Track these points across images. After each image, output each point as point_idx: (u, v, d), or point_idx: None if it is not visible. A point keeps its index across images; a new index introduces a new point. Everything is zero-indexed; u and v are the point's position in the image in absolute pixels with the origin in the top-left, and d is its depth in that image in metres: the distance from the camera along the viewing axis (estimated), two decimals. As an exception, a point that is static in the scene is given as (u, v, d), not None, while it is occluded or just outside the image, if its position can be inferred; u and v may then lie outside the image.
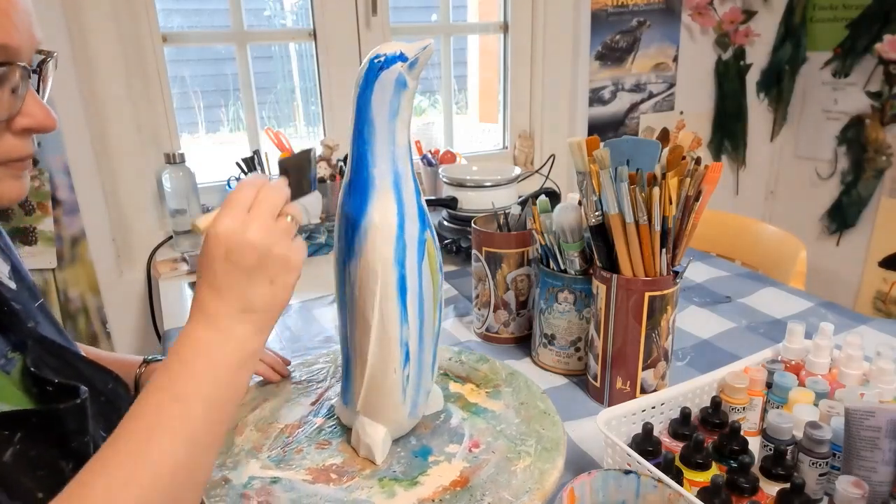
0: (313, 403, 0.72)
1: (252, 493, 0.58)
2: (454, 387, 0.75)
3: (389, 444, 0.64)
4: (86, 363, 0.60)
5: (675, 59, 1.87)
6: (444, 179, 1.27)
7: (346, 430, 0.66)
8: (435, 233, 0.62)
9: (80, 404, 0.48)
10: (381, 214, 0.56)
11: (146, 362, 0.76)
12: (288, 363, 0.80)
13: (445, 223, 1.28)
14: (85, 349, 0.80)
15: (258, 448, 0.65)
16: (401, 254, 0.57)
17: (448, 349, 0.82)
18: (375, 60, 0.54)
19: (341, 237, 0.60)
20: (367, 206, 0.57)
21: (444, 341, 0.91)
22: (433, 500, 0.57)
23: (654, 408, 0.65)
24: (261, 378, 0.76)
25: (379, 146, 0.56)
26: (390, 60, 0.54)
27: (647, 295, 0.69)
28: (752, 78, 2.01)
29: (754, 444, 0.61)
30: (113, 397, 0.61)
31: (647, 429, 0.59)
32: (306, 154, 0.69)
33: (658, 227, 0.66)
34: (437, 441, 0.65)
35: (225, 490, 0.59)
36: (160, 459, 0.42)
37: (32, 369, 0.50)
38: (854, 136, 1.91)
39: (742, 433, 0.60)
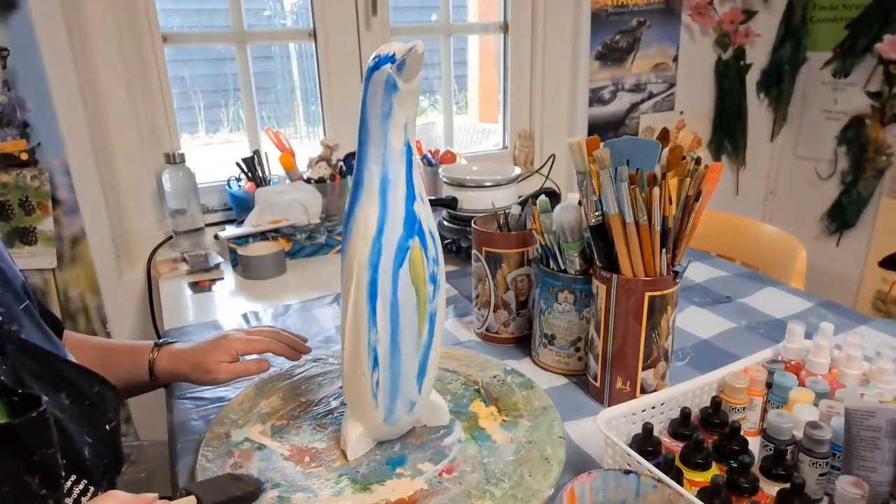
0: (342, 387, 0.74)
1: (237, 452, 0.64)
2: (475, 406, 0.72)
3: (367, 444, 0.65)
4: (70, 367, 0.60)
5: (675, 59, 1.87)
6: (444, 179, 1.27)
7: None
8: (433, 243, 0.60)
9: (36, 417, 0.48)
10: (364, 216, 0.57)
11: (157, 346, 0.76)
12: (305, 340, 0.80)
13: (445, 223, 1.28)
14: (93, 340, 0.80)
15: (271, 415, 0.71)
16: (375, 257, 0.56)
17: (500, 367, 0.80)
18: (371, 61, 0.54)
19: (343, 236, 0.61)
20: (355, 207, 0.58)
21: (445, 341, 0.91)
22: None
23: (654, 408, 0.65)
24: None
25: (371, 147, 0.56)
26: (382, 61, 0.53)
27: (647, 295, 0.69)
28: (752, 78, 2.01)
29: (754, 444, 0.61)
30: (98, 400, 0.61)
31: (647, 429, 0.59)
32: (230, 481, 0.57)
33: (658, 227, 0.66)
34: (416, 455, 0.64)
35: (219, 444, 0.66)
36: None
37: (2, 378, 0.50)
38: (854, 136, 1.90)
39: (742, 433, 0.60)
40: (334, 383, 0.78)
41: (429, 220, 0.60)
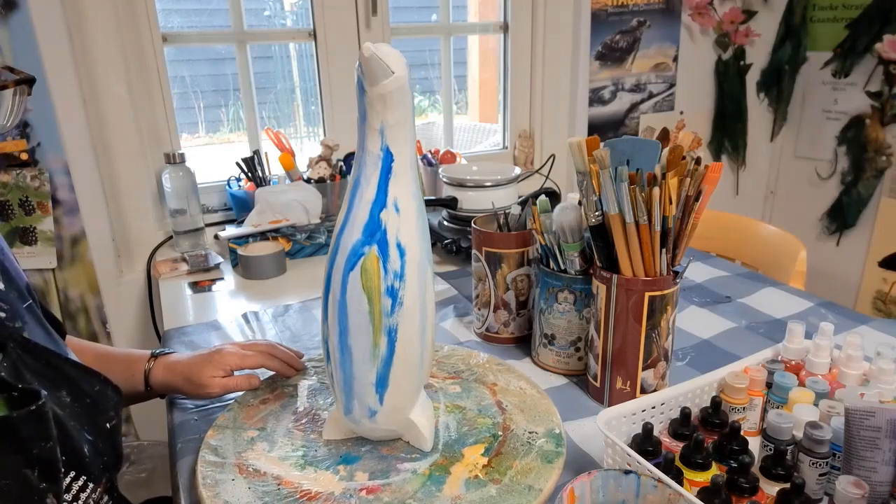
0: None
1: (277, 391, 0.75)
2: (471, 450, 0.65)
3: (340, 432, 0.67)
4: (71, 365, 0.60)
5: (675, 59, 1.87)
6: (444, 179, 1.27)
7: None
8: (399, 257, 0.57)
9: (35, 410, 0.48)
10: (339, 213, 0.59)
11: (154, 356, 0.77)
12: (301, 356, 0.82)
13: (445, 223, 1.28)
14: (92, 346, 0.80)
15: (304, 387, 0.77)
16: (332, 255, 0.59)
17: (554, 425, 0.68)
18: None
19: None
20: (341, 204, 0.60)
21: (445, 341, 0.91)
22: (278, 486, 0.60)
23: (654, 408, 0.65)
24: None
25: (357, 149, 0.58)
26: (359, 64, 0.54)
27: (647, 295, 0.69)
28: (752, 78, 2.01)
29: (754, 444, 0.61)
30: (99, 399, 0.61)
31: (647, 429, 0.59)
32: None
33: (658, 227, 0.66)
34: (369, 463, 0.63)
35: (276, 379, 0.77)
36: None
37: (2, 374, 0.50)
38: (854, 136, 1.90)
39: (742, 433, 0.60)
40: None
41: (402, 232, 0.57)
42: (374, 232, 0.56)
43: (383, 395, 0.61)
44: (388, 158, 0.56)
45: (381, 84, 0.53)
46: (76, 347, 0.75)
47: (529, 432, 0.68)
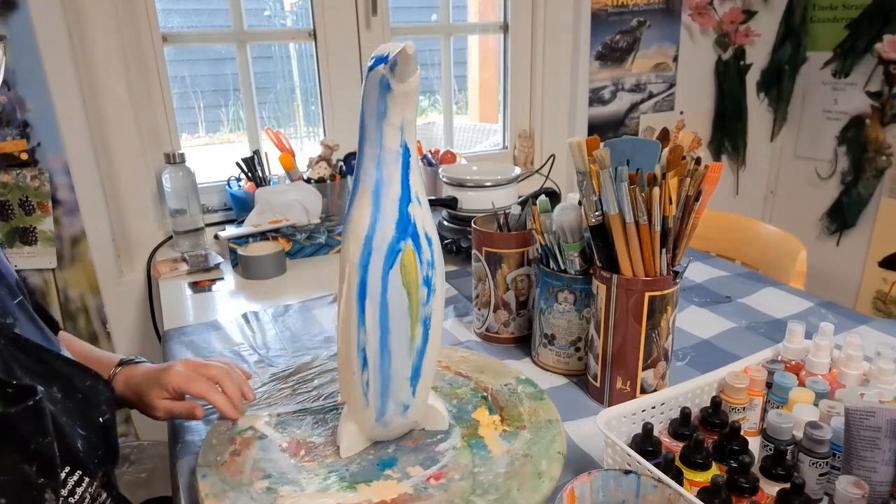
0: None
1: (238, 439, 0.66)
2: (479, 413, 0.70)
3: (361, 443, 0.65)
4: (63, 361, 0.60)
5: (675, 59, 1.87)
6: (444, 179, 1.27)
7: None
8: (428, 247, 0.59)
9: (32, 406, 0.48)
10: (358, 216, 0.57)
11: (121, 364, 0.73)
12: (249, 376, 0.76)
13: (445, 223, 1.28)
14: (78, 345, 0.79)
15: (277, 403, 0.71)
16: (365, 258, 0.56)
17: (515, 374, 0.77)
18: (369, 61, 0.54)
19: None
20: (351, 207, 0.58)
21: (445, 341, 0.91)
22: None
23: (654, 408, 0.65)
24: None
25: (367, 148, 0.56)
26: (377, 62, 0.53)
27: (647, 295, 0.69)
28: (752, 78, 2.01)
29: (754, 444, 0.61)
30: (91, 395, 0.61)
31: (647, 429, 0.59)
32: None
33: (658, 227, 0.66)
34: (408, 458, 0.64)
35: (226, 430, 0.67)
36: None
37: None
38: (854, 136, 1.90)
39: (742, 433, 0.60)
40: None
41: (426, 222, 0.58)
42: (406, 227, 0.57)
43: (416, 387, 0.63)
44: (406, 154, 0.57)
45: (409, 81, 0.54)
46: (66, 343, 0.75)
47: (504, 385, 0.75)
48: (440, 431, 0.68)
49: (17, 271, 0.71)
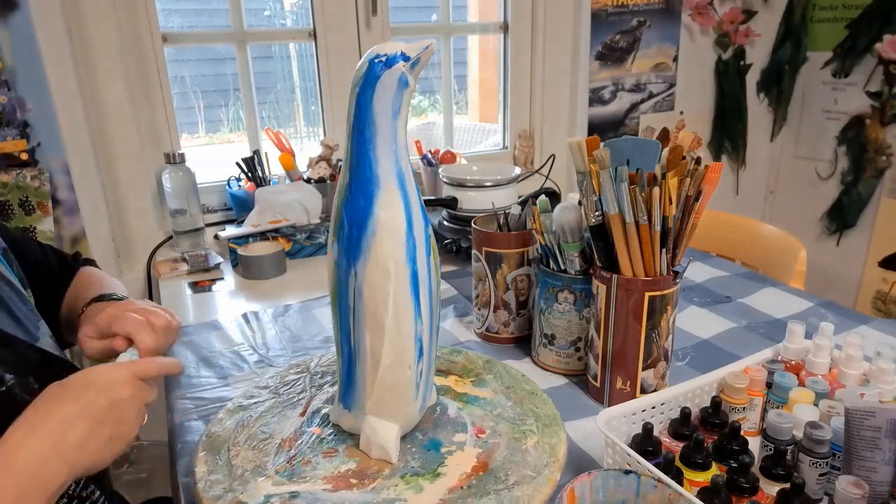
0: (302, 414, 0.70)
1: None
2: (439, 380, 0.76)
3: (399, 442, 0.64)
4: (36, 352, 0.60)
5: (675, 59, 1.87)
6: (444, 179, 1.27)
7: (350, 436, 0.66)
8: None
9: (5, 392, 0.49)
10: (389, 213, 0.57)
11: (91, 302, 0.71)
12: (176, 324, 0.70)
13: (445, 223, 1.28)
14: (94, 277, 0.80)
15: (262, 466, 0.61)
16: (412, 251, 0.58)
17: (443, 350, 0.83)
18: (377, 61, 0.54)
19: (343, 239, 0.59)
20: (373, 206, 0.57)
21: (445, 341, 0.91)
22: (462, 488, 0.58)
23: (654, 408, 0.65)
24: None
25: (382, 145, 0.56)
26: (392, 60, 0.54)
27: (647, 295, 0.69)
28: (752, 78, 2.01)
29: (754, 444, 0.61)
30: None
31: (647, 429, 0.59)
32: None
33: (658, 227, 0.66)
34: (443, 433, 0.66)
35: None
36: None
37: None
38: (854, 136, 1.91)
39: (742, 433, 0.60)
40: (295, 409, 0.71)
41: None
42: (426, 215, 0.61)
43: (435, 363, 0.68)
44: (407, 147, 0.60)
45: (417, 77, 0.57)
46: (85, 278, 0.78)
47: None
48: (434, 406, 0.71)
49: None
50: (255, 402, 0.72)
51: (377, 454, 0.62)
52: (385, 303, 0.58)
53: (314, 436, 0.66)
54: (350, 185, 0.58)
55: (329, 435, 0.67)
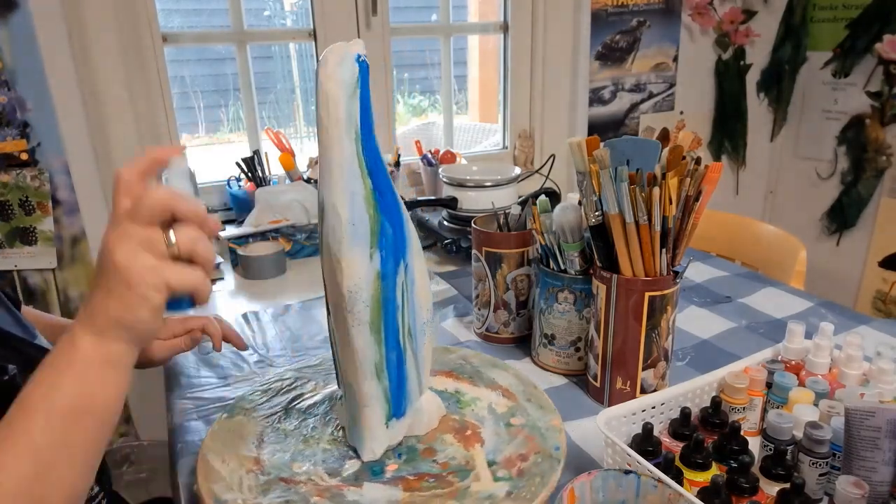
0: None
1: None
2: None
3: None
4: (36, 349, 0.60)
5: (675, 59, 1.87)
6: (444, 179, 1.27)
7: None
8: None
9: (8, 381, 0.49)
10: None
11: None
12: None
13: (445, 223, 1.28)
14: (47, 318, 0.78)
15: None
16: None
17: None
18: (361, 59, 0.53)
19: (388, 239, 0.59)
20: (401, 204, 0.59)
21: (445, 341, 0.91)
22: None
23: (654, 408, 0.65)
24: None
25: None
26: (364, 62, 0.54)
27: (647, 295, 0.69)
28: (752, 78, 2.01)
29: (754, 444, 0.61)
30: None
31: (647, 429, 0.59)
32: None
33: (658, 227, 0.66)
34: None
35: None
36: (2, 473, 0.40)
37: None
38: (854, 136, 1.91)
39: (742, 433, 0.60)
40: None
41: None
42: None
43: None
44: None
45: None
46: (32, 318, 0.74)
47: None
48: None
49: (18, 271, 0.71)
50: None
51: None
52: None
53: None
54: (376, 190, 0.57)
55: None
